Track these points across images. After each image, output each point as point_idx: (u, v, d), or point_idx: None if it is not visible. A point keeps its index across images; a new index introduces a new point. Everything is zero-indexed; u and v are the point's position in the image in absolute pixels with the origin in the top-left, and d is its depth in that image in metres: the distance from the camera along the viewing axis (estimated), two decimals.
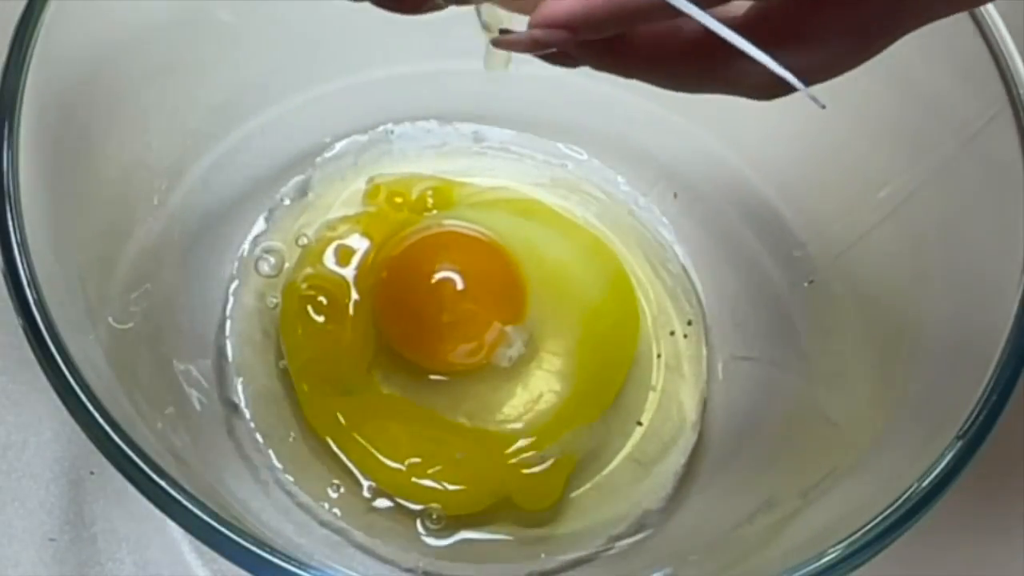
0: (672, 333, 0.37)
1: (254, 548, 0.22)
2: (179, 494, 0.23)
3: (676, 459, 0.35)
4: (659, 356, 0.37)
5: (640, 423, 0.35)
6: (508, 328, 0.34)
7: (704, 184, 0.38)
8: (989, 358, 0.25)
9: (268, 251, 0.37)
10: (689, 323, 0.37)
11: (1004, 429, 0.25)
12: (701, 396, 0.36)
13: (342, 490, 0.33)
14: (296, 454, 0.34)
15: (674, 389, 0.36)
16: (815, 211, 0.35)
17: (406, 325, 0.35)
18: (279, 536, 0.30)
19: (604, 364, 0.36)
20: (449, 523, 0.33)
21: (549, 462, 0.34)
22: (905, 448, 0.27)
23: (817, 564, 0.23)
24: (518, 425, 0.34)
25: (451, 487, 0.33)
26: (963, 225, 0.29)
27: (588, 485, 0.34)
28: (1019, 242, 0.26)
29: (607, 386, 0.35)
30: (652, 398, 0.36)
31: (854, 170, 0.34)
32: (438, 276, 0.35)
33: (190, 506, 0.22)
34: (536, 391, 0.35)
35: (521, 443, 0.34)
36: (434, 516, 0.33)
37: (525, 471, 0.33)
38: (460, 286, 0.35)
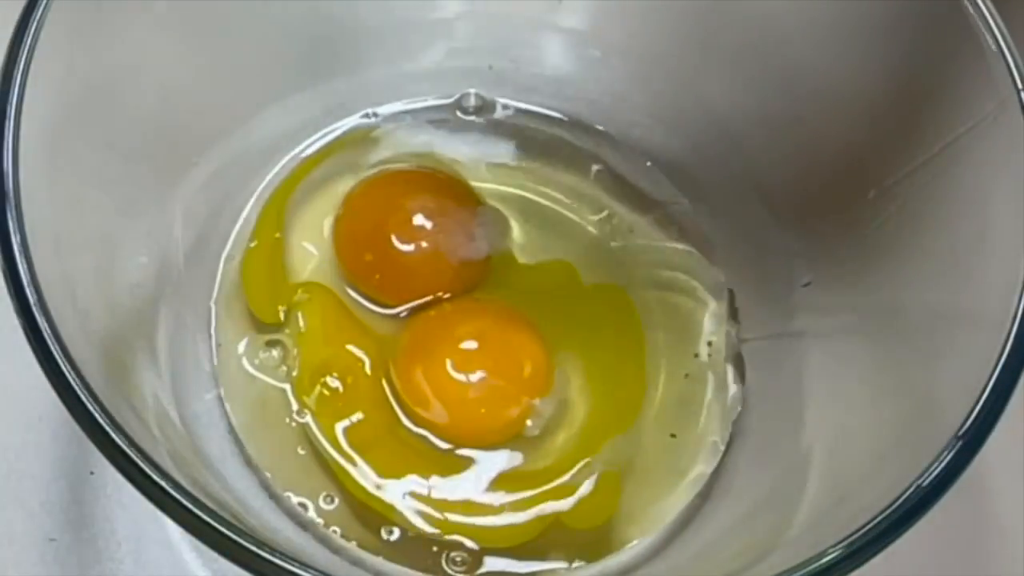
0: (706, 347, 0.37)
1: (254, 548, 0.22)
2: (179, 494, 0.23)
3: (704, 468, 0.35)
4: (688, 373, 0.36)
5: (674, 435, 0.35)
6: (537, 401, 0.34)
7: (703, 184, 0.38)
8: (989, 358, 0.25)
9: None
10: (710, 343, 0.37)
11: (1004, 429, 0.25)
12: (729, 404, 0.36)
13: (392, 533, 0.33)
14: (294, 469, 0.34)
15: (704, 400, 0.36)
16: (814, 211, 0.35)
17: (431, 405, 0.34)
18: (279, 536, 0.30)
19: (617, 368, 0.36)
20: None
21: (596, 475, 0.33)
22: (905, 448, 0.27)
23: (817, 564, 0.23)
24: (558, 457, 0.34)
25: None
26: (962, 225, 0.29)
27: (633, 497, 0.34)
28: (1019, 242, 0.26)
29: (628, 388, 0.35)
30: (683, 410, 0.36)
31: (853, 169, 0.34)
32: (464, 349, 0.34)
33: (190, 506, 0.22)
34: (564, 415, 0.35)
35: (564, 469, 0.34)
36: (458, 559, 0.32)
37: (574, 487, 0.33)
38: (487, 362, 0.34)
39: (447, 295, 0.36)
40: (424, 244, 0.36)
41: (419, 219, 0.36)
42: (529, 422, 0.34)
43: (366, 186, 0.37)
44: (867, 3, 0.31)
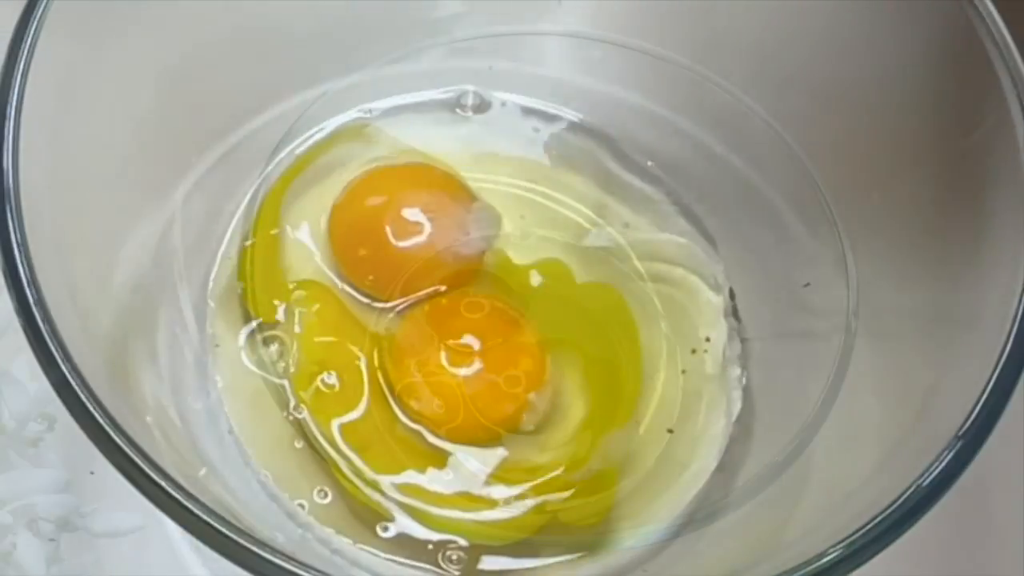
0: (704, 343, 0.37)
1: (254, 548, 0.22)
2: (179, 494, 0.23)
3: (703, 466, 0.35)
4: (683, 371, 0.36)
5: (671, 431, 0.35)
6: (532, 395, 0.34)
7: (703, 184, 0.38)
8: (989, 358, 0.25)
9: None
10: (708, 340, 0.37)
11: (1004, 429, 0.25)
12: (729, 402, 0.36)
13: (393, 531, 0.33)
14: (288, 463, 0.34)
15: (703, 397, 0.36)
16: (814, 212, 0.35)
17: (427, 401, 0.34)
18: (278, 536, 0.30)
19: (613, 365, 0.36)
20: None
21: (593, 472, 0.34)
22: (905, 448, 0.27)
23: (817, 564, 0.23)
24: (554, 454, 0.34)
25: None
26: (962, 226, 0.29)
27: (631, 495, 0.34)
28: (1019, 242, 0.26)
29: (624, 385, 0.35)
30: (681, 407, 0.36)
31: (853, 171, 0.34)
32: (459, 344, 0.35)
33: (190, 506, 0.22)
34: (559, 412, 0.35)
35: (560, 465, 0.34)
36: (454, 557, 0.32)
37: (570, 483, 0.33)
38: (482, 357, 0.34)
39: (442, 289, 0.36)
40: (419, 239, 0.36)
41: (414, 214, 0.36)
42: (524, 416, 0.34)
43: (361, 182, 0.38)
44: (868, 4, 0.31)
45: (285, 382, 0.34)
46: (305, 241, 0.37)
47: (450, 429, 0.34)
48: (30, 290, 0.24)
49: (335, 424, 0.34)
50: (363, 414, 0.34)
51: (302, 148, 0.39)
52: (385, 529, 0.33)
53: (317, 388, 0.34)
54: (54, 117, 0.27)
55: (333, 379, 0.34)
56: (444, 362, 0.34)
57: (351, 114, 0.39)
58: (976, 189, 0.29)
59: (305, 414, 0.34)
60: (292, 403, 0.34)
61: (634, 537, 0.33)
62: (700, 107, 0.37)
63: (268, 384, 0.34)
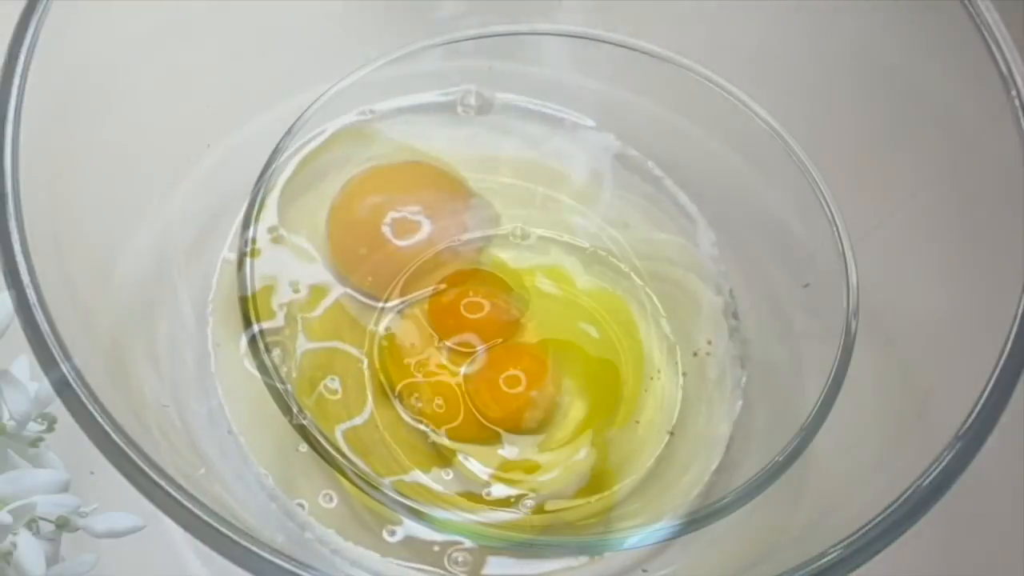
0: (704, 344, 0.37)
1: (254, 548, 0.22)
2: (179, 494, 0.23)
3: (703, 467, 0.35)
4: (684, 374, 0.36)
5: (671, 433, 0.35)
6: (533, 393, 0.34)
7: (703, 184, 0.38)
8: (989, 358, 0.25)
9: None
10: (709, 342, 0.37)
11: (1004, 429, 0.25)
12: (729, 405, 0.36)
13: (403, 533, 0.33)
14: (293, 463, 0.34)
15: (703, 397, 0.36)
16: (814, 214, 0.35)
17: (428, 400, 0.34)
18: (279, 536, 0.30)
19: (613, 366, 0.36)
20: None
21: (592, 473, 0.34)
22: (905, 448, 0.27)
23: (817, 564, 0.23)
24: (555, 454, 0.34)
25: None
26: (963, 227, 0.29)
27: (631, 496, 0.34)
28: (1019, 243, 0.26)
29: (624, 387, 0.35)
30: (681, 407, 0.36)
31: (853, 173, 0.34)
32: (459, 343, 0.35)
33: (190, 506, 0.22)
34: (560, 413, 0.35)
35: (559, 465, 0.34)
36: (460, 559, 0.32)
37: (570, 484, 0.33)
38: (483, 355, 0.35)
39: (442, 288, 0.36)
40: (418, 238, 0.36)
41: (412, 213, 0.36)
42: (525, 416, 0.34)
43: (359, 181, 0.38)
44: (868, 4, 0.31)
45: (288, 387, 0.34)
46: (304, 243, 0.37)
47: (451, 428, 0.34)
48: (30, 290, 0.24)
49: (339, 430, 0.34)
50: (367, 419, 0.34)
51: (302, 150, 0.39)
52: (392, 533, 0.32)
53: (320, 394, 0.34)
54: (54, 117, 0.27)
55: (336, 384, 0.34)
56: (445, 361, 0.34)
57: (351, 115, 0.39)
58: (976, 189, 0.29)
59: (308, 420, 0.34)
60: (295, 409, 0.34)
61: (634, 537, 0.33)
62: (700, 107, 0.37)
63: (270, 389, 0.34)
